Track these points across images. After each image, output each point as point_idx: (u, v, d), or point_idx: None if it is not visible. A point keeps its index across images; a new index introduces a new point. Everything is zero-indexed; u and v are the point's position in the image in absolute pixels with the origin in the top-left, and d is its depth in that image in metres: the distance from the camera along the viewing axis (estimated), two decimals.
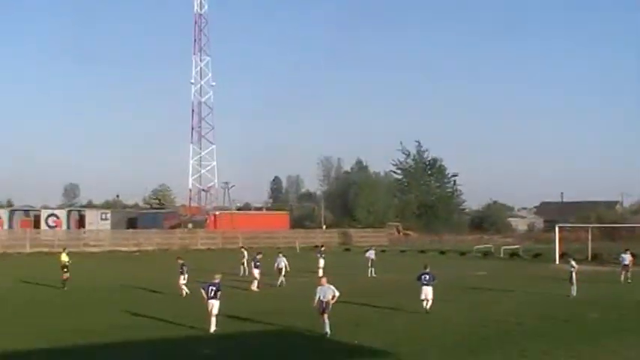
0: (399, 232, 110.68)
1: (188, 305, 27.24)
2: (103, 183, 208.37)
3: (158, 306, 28.80)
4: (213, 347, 19.74)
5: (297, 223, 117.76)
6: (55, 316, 26.53)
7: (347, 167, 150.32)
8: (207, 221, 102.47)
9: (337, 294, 21.43)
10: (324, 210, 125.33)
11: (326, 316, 21.16)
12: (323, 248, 48.23)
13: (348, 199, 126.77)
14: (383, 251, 68.53)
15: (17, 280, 41.48)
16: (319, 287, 21.69)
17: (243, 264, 44.83)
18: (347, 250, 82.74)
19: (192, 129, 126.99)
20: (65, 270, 37.06)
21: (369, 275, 44.23)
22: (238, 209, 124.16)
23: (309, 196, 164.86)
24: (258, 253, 38.18)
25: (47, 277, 40.62)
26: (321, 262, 43.80)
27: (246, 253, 46.30)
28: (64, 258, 37.82)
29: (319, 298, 21.39)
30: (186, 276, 32.98)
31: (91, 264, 55.17)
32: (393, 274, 44.97)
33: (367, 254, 46.44)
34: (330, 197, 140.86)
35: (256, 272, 36.32)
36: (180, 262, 33.75)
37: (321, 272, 42.04)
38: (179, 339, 21.30)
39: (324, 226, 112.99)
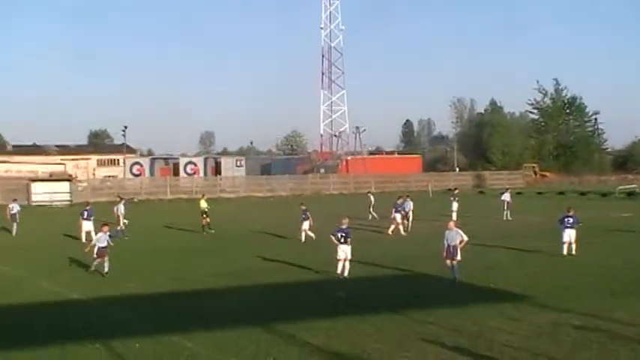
0: (535, 174, 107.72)
1: (317, 250, 27.45)
2: (237, 130, 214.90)
3: (289, 251, 29.36)
4: (346, 291, 20.02)
5: (429, 167, 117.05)
6: (196, 259, 27.67)
7: (480, 108, 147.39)
8: (339, 166, 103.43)
9: (465, 239, 20.93)
10: (457, 152, 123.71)
11: (454, 261, 20.59)
12: (456, 191, 47.67)
13: (482, 140, 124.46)
14: (519, 193, 67.04)
15: (160, 225, 43.49)
16: (447, 231, 21.32)
17: (370, 209, 45.11)
18: (481, 192, 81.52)
19: (323, 74, 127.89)
20: (205, 216, 38.53)
21: (504, 218, 43.40)
22: (370, 153, 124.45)
23: (442, 138, 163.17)
24: (399, 198, 38.12)
25: (187, 222, 42.39)
26: (455, 206, 43.34)
27: (372, 197, 46.46)
28: (203, 204, 39.29)
29: (447, 242, 21.10)
30: (308, 222, 33.30)
31: (227, 210, 57.02)
32: (529, 217, 43.95)
33: (502, 197, 45.53)
34: (462, 139, 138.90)
35: (398, 217, 36.26)
36: (303, 207, 34.12)
37: (454, 216, 41.65)
38: (312, 283, 21.69)
39: (457, 169, 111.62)
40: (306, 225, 33.15)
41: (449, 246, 20.84)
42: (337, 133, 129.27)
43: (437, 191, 79.01)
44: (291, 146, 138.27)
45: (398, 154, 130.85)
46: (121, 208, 37.70)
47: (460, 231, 21.09)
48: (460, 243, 20.79)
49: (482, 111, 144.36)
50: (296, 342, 13.97)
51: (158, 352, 13.41)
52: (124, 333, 15.02)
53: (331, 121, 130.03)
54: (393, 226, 35.99)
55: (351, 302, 18.48)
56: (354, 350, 13.30)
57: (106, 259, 23.32)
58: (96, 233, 33.98)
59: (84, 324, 16.25)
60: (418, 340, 13.88)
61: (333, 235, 22.27)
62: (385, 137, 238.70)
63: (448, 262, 20.75)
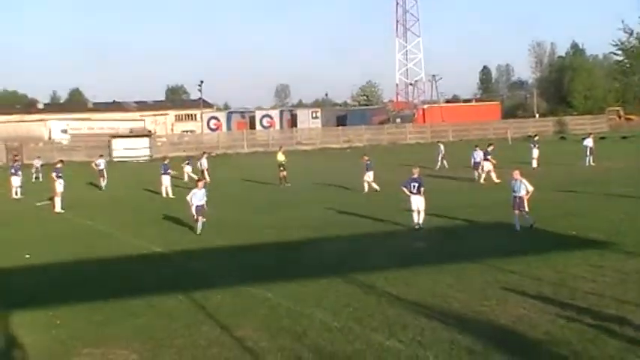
0: (620, 118, 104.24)
1: (393, 202, 26.79)
2: (311, 82, 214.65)
3: (364, 203, 29.37)
4: (423, 241, 19.93)
5: (508, 113, 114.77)
6: (273, 212, 27.92)
7: (561, 52, 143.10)
8: (416, 115, 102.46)
9: (530, 189, 20.25)
10: (537, 98, 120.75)
11: (523, 212, 20.10)
12: (536, 137, 46.62)
13: (563, 85, 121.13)
14: (602, 138, 65.15)
15: (238, 179, 44.07)
16: (512, 181, 20.84)
17: (439, 158, 44.83)
18: (562, 138, 79.62)
19: (397, 22, 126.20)
20: (282, 169, 38.82)
21: (587, 164, 42.25)
22: (447, 102, 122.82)
23: (521, 84, 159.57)
24: (489, 145, 37.55)
25: (264, 175, 42.85)
26: (535, 153, 42.49)
27: (442, 147, 46.06)
28: (281, 157, 39.52)
29: (513, 193, 20.54)
30: (371, 173, 33.13)
31: (304, 162, 57.31)
32: (613, 162, 42.71)
33: (584, 142, 44.29)
34: (543, 84, 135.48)
35: (487, 165, 35.57)
36: (366, 158, 33.89)
37: (534, 163, 40.99)
38: (389, 233, 21.61)
39: (537, 115, 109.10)
40: (369, 176, 33.07)
41: (515, 197, 20.41)
42: (413, 82, 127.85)
43: (516, 138, 77.44)
44: (367, 97, 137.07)
45: (476, 101, 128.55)
46: (204, 163, 38.20)
47: (525, 181, 20.50)
48: (526, 194, 20.28)
49: (563, 54, 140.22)
50: (375, 292, 14.04)
51: (239, 304, 13.68)
52: (206, 285, 15.36)
53: (407, 69, 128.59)
54: (484, 175, 35.36)
55: (430, 252, 18.45)
56: (434, 299, 13.28)
57: (202, 218, 22.39)
58: (172, 188, 35.03)
59: (166, 276, 16.73)
60: (499, 289, 13.75)
61: (404, 186, 22.01)
62: (462, 85, 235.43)
63: (517, 212, 20.33)
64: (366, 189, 32.77)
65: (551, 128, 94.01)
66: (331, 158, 65.15)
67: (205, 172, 37.77)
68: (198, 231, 22.31)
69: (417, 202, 21.55)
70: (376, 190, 32.15)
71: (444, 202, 26.43)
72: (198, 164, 38.73)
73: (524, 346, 10.62)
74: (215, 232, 22.74)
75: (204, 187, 23.51)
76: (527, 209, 20.32)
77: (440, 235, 21.05)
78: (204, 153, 40.94)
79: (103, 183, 40.94)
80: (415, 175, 21.92)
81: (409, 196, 21.77)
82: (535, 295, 13.13)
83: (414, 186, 21.65)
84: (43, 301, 14.57)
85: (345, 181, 36.92)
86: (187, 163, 41.87)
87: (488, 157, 35.93)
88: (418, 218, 21.56)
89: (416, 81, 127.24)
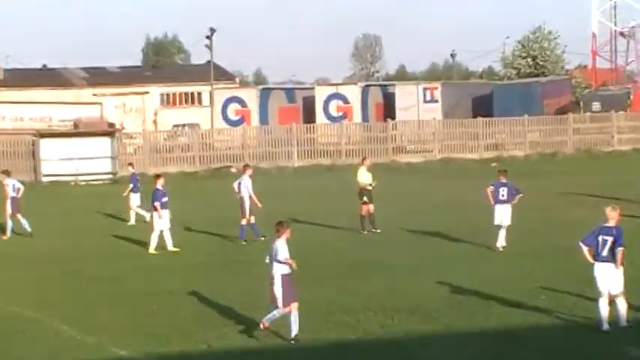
0: None
1: (553, 268, 27.29)
2: (420, 33, 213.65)
3: (507, 269, 29.90)
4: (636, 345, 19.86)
5: None
6: (353, 282, 28.42)
7: None
8: (632, 95, 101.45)
9: None
10: None
11: None
12: None
13: None
14: None
15: (281, 213, 44.03)
16: None
17: None
18: None
19: None
20: (365, 199, 38.66)
21: None
22: None
23: None
24: None
25: (332, 212, 43.17)
26: None
27: None
28: (364, 178, 39.44)
29: None
30: (508, 207, 33.23)
31: (407, 186, 57.34)
32: None
33: None
34: None
35: None
36: (502, 180, 33.66)
37: None
38: (562, 329, 21.91)
39: None
40: (505, 215, 33.30)
41: None
42: (626, 31, 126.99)
43: None
44: (533, 59, 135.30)
45: None
46: (247, 184, 38.16)
47: None
48: None
49: None
50: None
51: None
52: None
53: (613, 6, 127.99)
54: None
55: None
56: None
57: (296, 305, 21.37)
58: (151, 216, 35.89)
59: None
60: None
61: (584, 243, 21.67)
62: None
63: None
64: (500, 244, 33.22)
65: None
66: (462, 180, 64.50)
67: (253, 199, 37.68)
68: (294, 332, 21.36)
69: (608, 276, 21.12)
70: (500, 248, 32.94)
71: None
72: (235, 186, 38.60)
73: None
74: (245, 320, 23.01)
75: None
76: None
77: None
78: (245, 167, 40.72)
79: (10, 224, 41.52)
80: (610, 223, 21.43)
81: (593, 264, 21.40)
82: None
83: (604, 242, 21.22)
84: None
85: (482, 227, 36.81)
86: (132, 189, 41.66)
87: None
88: (610, 306, 21.21)
89: (631, 28, 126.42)
